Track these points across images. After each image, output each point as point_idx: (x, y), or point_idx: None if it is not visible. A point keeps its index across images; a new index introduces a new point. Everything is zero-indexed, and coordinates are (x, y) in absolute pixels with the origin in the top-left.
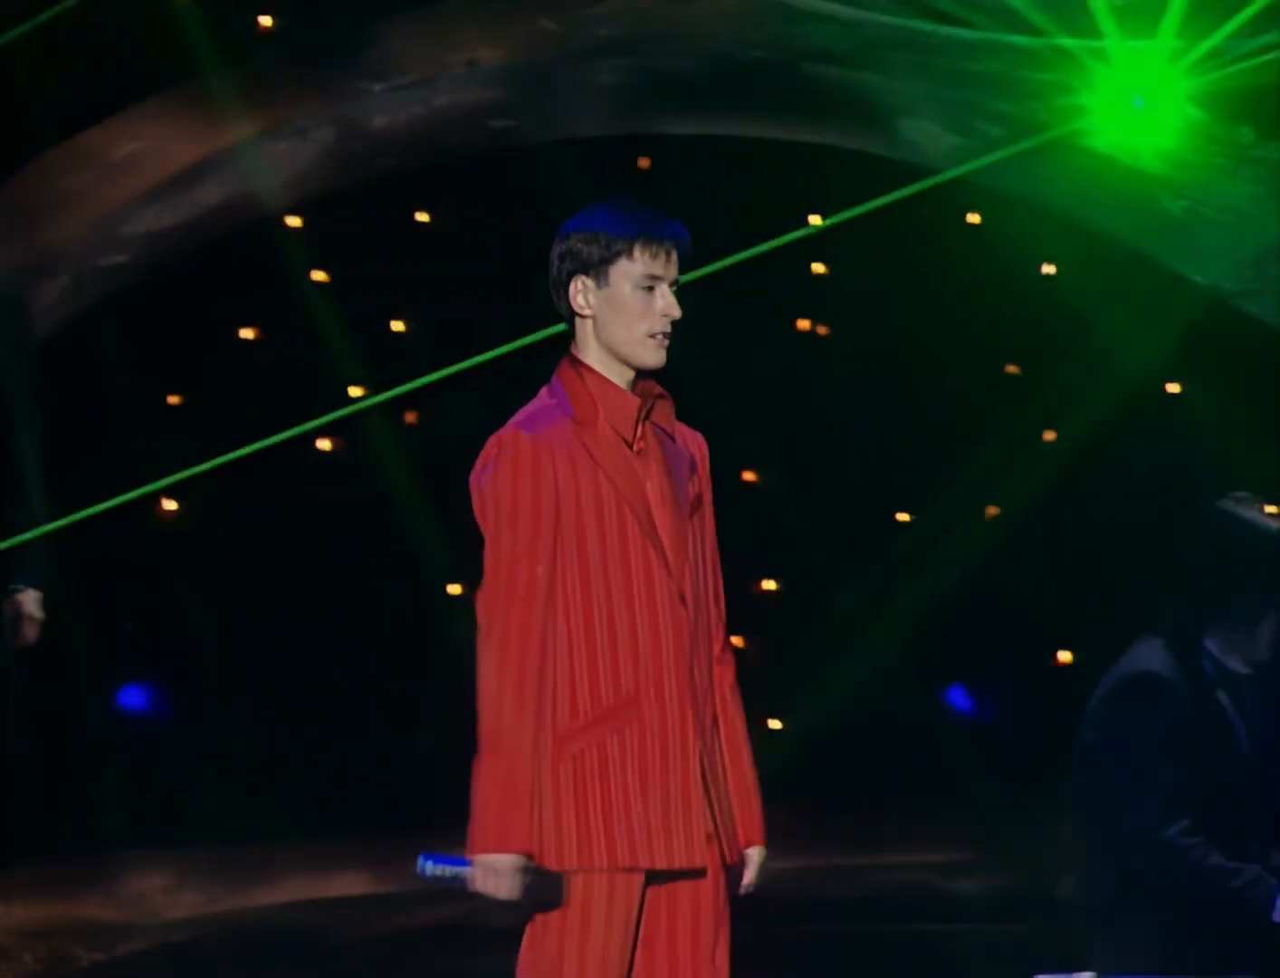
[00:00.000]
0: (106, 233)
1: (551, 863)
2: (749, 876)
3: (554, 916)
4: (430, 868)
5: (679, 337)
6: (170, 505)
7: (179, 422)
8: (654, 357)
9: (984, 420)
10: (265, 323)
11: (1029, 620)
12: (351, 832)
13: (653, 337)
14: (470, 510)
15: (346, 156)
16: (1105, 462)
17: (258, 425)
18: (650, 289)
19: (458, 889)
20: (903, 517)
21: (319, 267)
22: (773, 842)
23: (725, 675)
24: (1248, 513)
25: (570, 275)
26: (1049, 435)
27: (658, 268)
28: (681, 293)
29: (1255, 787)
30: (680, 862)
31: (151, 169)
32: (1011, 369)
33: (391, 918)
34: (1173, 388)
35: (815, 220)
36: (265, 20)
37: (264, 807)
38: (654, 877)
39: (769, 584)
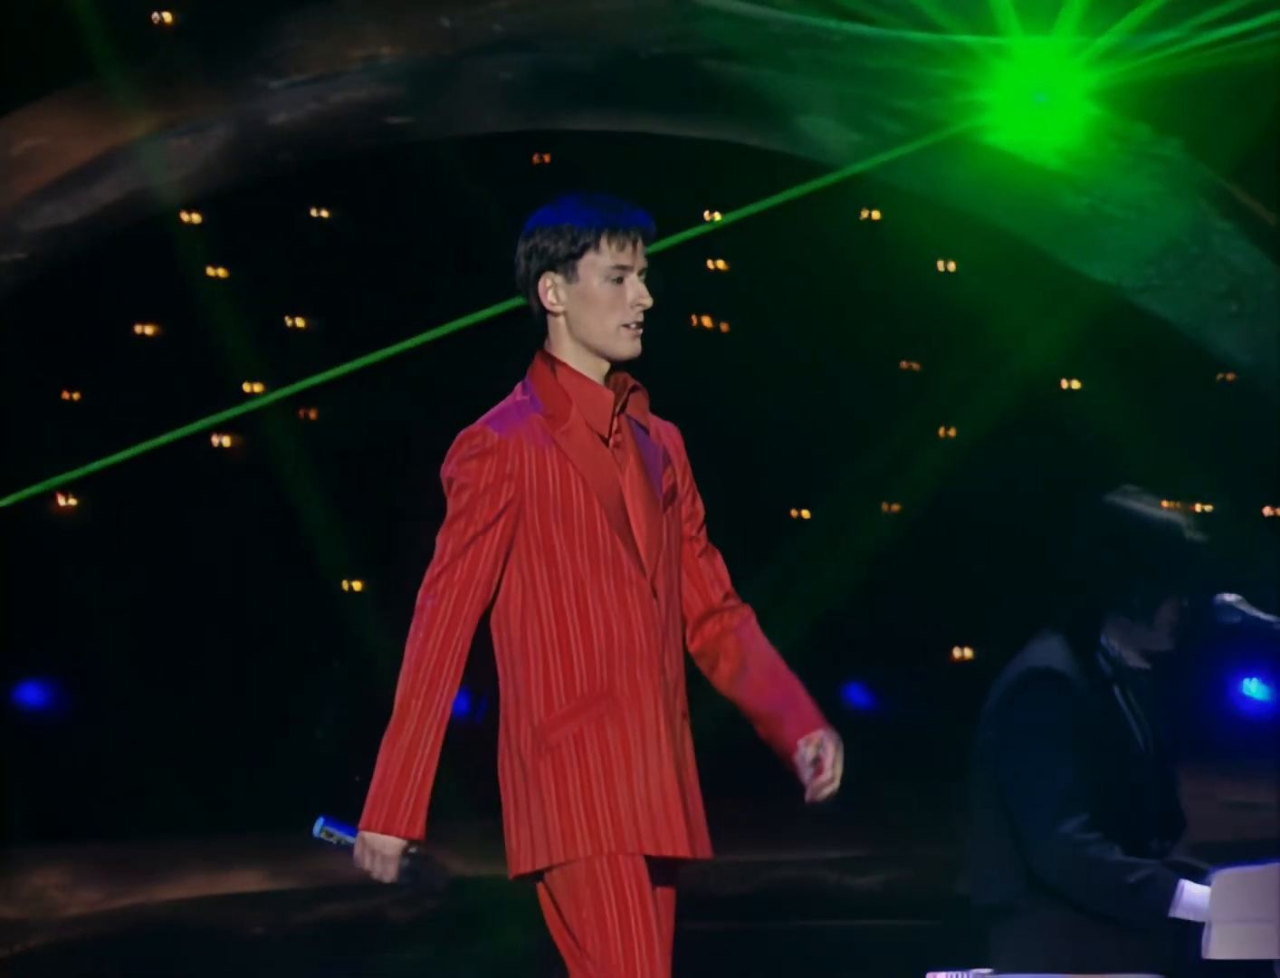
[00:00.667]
0: (4, 229)
1: (543, 859)
2: (828, 757)
3: (588, 910)
4: (322, 828)
5: None
6: (67, 501)
7: (76, 418)
8: (628, 347)
9: (882, 417)
10: (163, 319)
11: (927, 617)
12: (250, 828)
13: (625, 327)
14: (372, 507)
15: (245, 153)
16: (1003, 458)
17: (156, 422)
18: (619, 280)
19: (342, 852)
20: (802, 513)
21: (217, 263)
22: None
23: (745, 620)
24: (1140, 506)
25: (539, 273)
26: (950, 432)
27: (625, 258)
28: None
29: (1154, 782)
30: (666, 850)
31: (50, 165)
32: (909, 365)
33: (290, 914)
34: (1071, 384)
35: (714, 217)
36: (165, 16)
37: (162, 803)
38: (659, 866)
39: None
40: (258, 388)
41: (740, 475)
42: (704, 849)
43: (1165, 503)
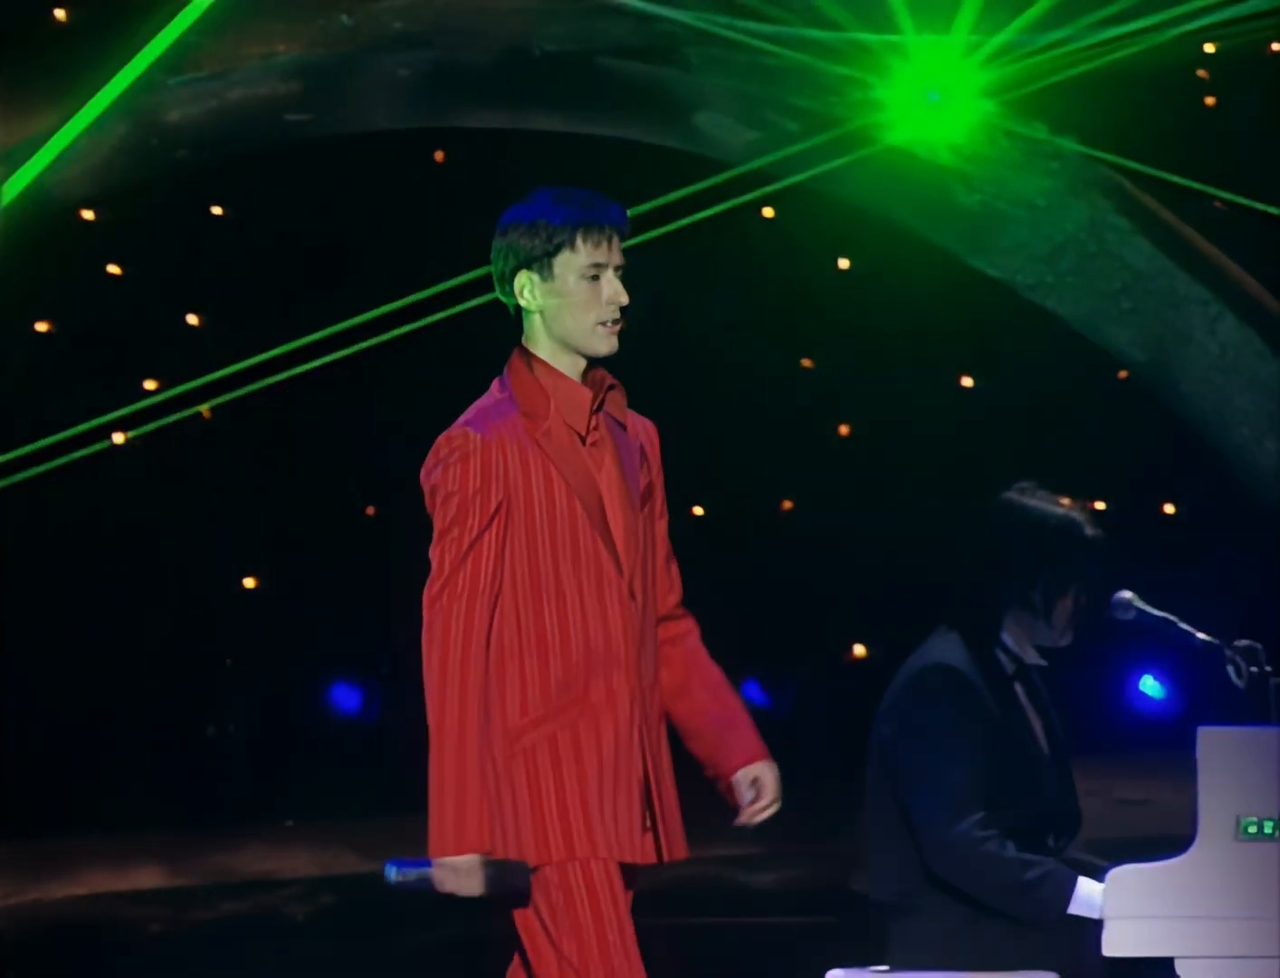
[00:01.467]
0: None
1: (434, 853)
2: (767, 790)
3: (545, 909)
4: (395, 874)
5: (477, 332)
6: None
7: None
8: (605, 345)
9: (778, 414)
10: (59, 316)
11: (824, 614)
12: (149, 825)
13: (602, 325)
14: (268, 504)
15: (142, 149)
16: (899, 455)
17: (51, 419)
18: (595, 278)
19: (426, 890)
20: (697, 510)
21: (114, 260)
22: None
23: (690, 630)
24: (1037, 503)
25: (514, 270)
26: (843, 429)
27: (601, 255)
28: (481, 286)
29: (1050, 779)
30: (637, 857)
31: None
32: (806, 363)
33: (189, 911)
34: (966, 381)
35: None
36: (60, 13)
37: (61, 800)
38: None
39: None
40: (153, 385)
41: None
42: (678, 851)
43: (1062, 500)
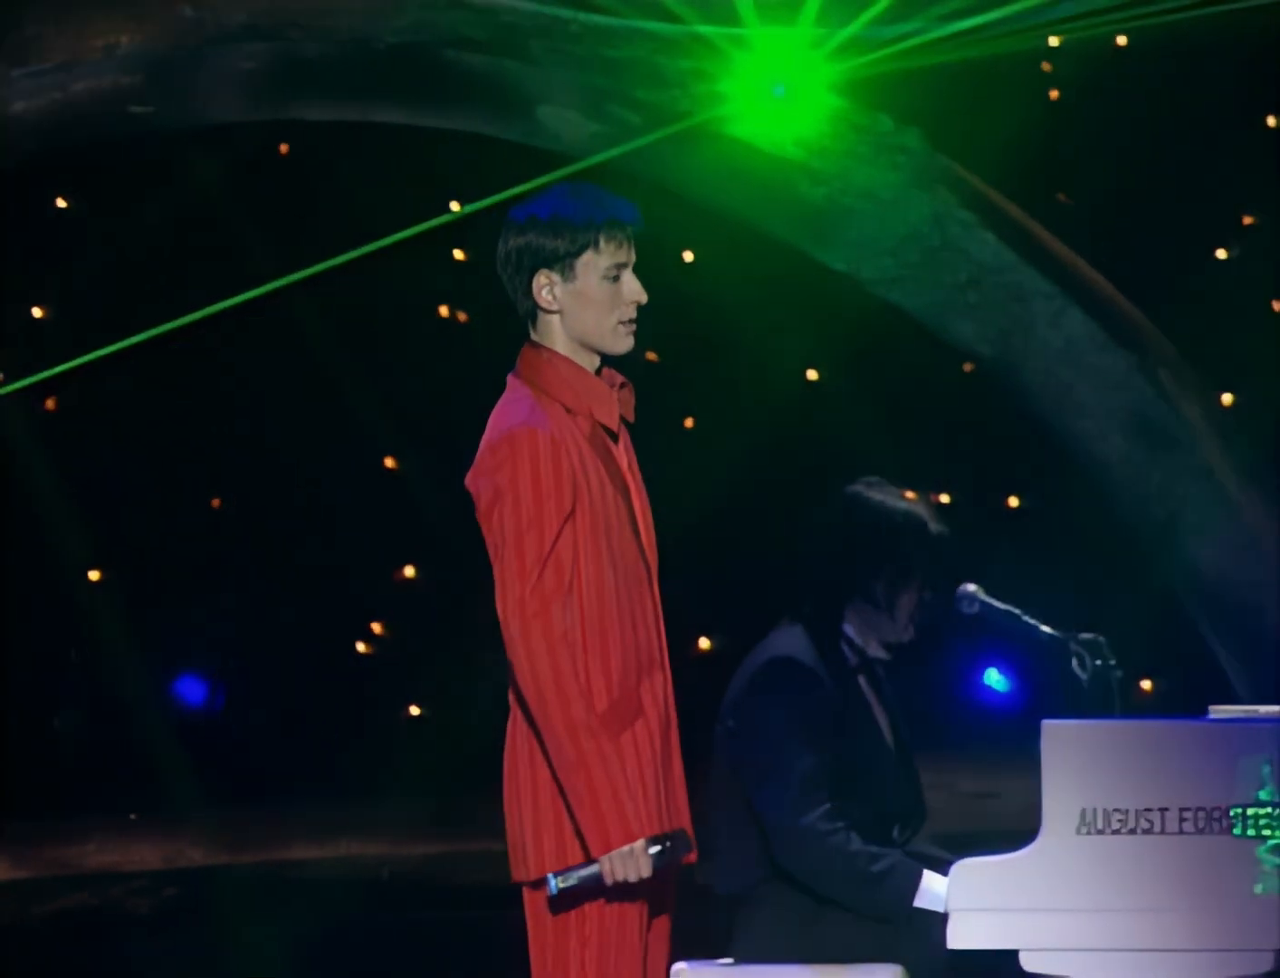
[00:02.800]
0: None
1: (599, 851)
2: None
3: (611, 899)
4: (560, 884)
5: (319, 325)
6: None
7: None
8: (625, 344)
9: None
10: None
11: (669, 608)
12: None
13: (623, 324)
14: (114, 497)
15: None
16: (745, 448)
17: None
18: (616, 278)
19: (590, 889)
20: None
21: None
22: (418, 829)
23: None
24: (881, 496)
25: (532, 270)
26: (688, 422)
27: (622, 255)
28: (322, 281)
29: (895, 772)
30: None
31: None
32: (651, 356)
33: (29, 905)
34: (812, 375)
35: (455, 207)
36: None
37: None
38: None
39: (409, 571)
40: None
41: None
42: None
43: (906, 493)
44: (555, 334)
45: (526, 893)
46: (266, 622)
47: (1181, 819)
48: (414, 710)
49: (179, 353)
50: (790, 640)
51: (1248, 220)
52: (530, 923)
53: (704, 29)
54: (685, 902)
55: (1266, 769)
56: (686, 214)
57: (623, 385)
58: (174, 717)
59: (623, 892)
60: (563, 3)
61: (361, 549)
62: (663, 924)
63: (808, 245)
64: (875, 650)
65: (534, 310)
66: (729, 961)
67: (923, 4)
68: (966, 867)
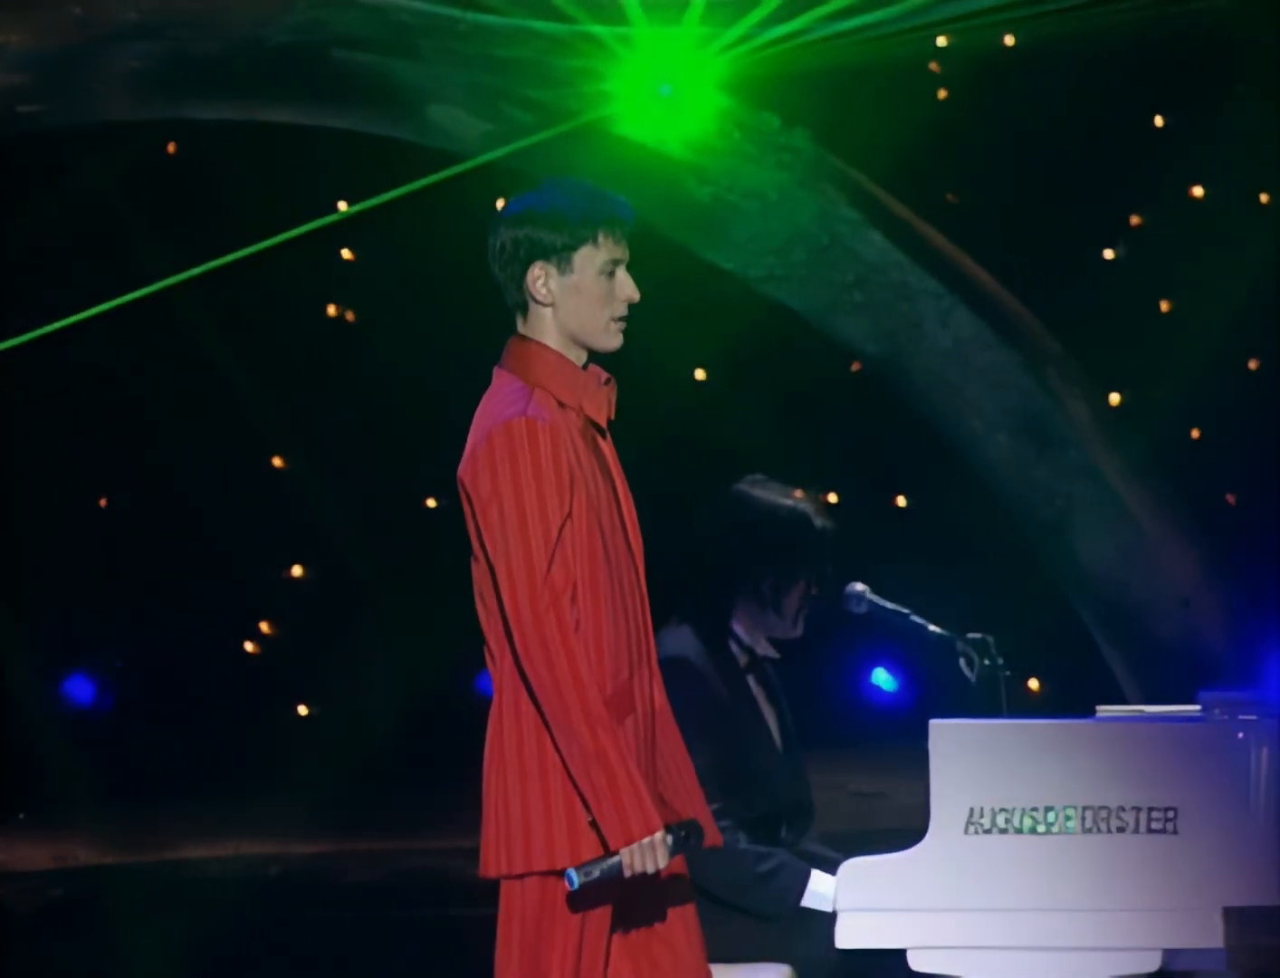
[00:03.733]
0: None
1: (542, 862)
2: None
3: (582, 896)
4: (580, 879)
5: (207, 324)
6: None
7: None
8: (615, 340)
9: None
10: None
11: None
12: None
13: (615, 321)
14: None
15: None
16: (632, 447)
17: None
18: (612, 273)
19: (609, 882)
20: (430, 503)
21: None
22: (306, 828)
23: None
24: (768, 494)
25: (527, 262)
26: None
27: (619, 252)
28: (210, 280)
29: (783, 771)
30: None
31: None
32: None
33: None
34: (700, 374)
35: (343, 206)
36: None
37: None
38: None
39: (297, 570)
40: None
41: (370, 464)
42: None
43: (793, 491)
44: (546, 327)
45: (505, 886)
46: (155, 621)
47: (1068, 819)
48: (302, 710)
49: (66, 352)
50: (678, 640)
51: (1135, 221)
52: (505, 916)
53: (592, 28)
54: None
55: (1153, 769)
56: None
57: (607, 381)
58: (62, 716)
59: (631, 885)
60: (452, 2)
61: (249, 549)
62: (689, 913)
63: (695, 245)
64: (764, 649)
65: (525, 303)
66: None
67: (810, 3)
68: (855, 866)
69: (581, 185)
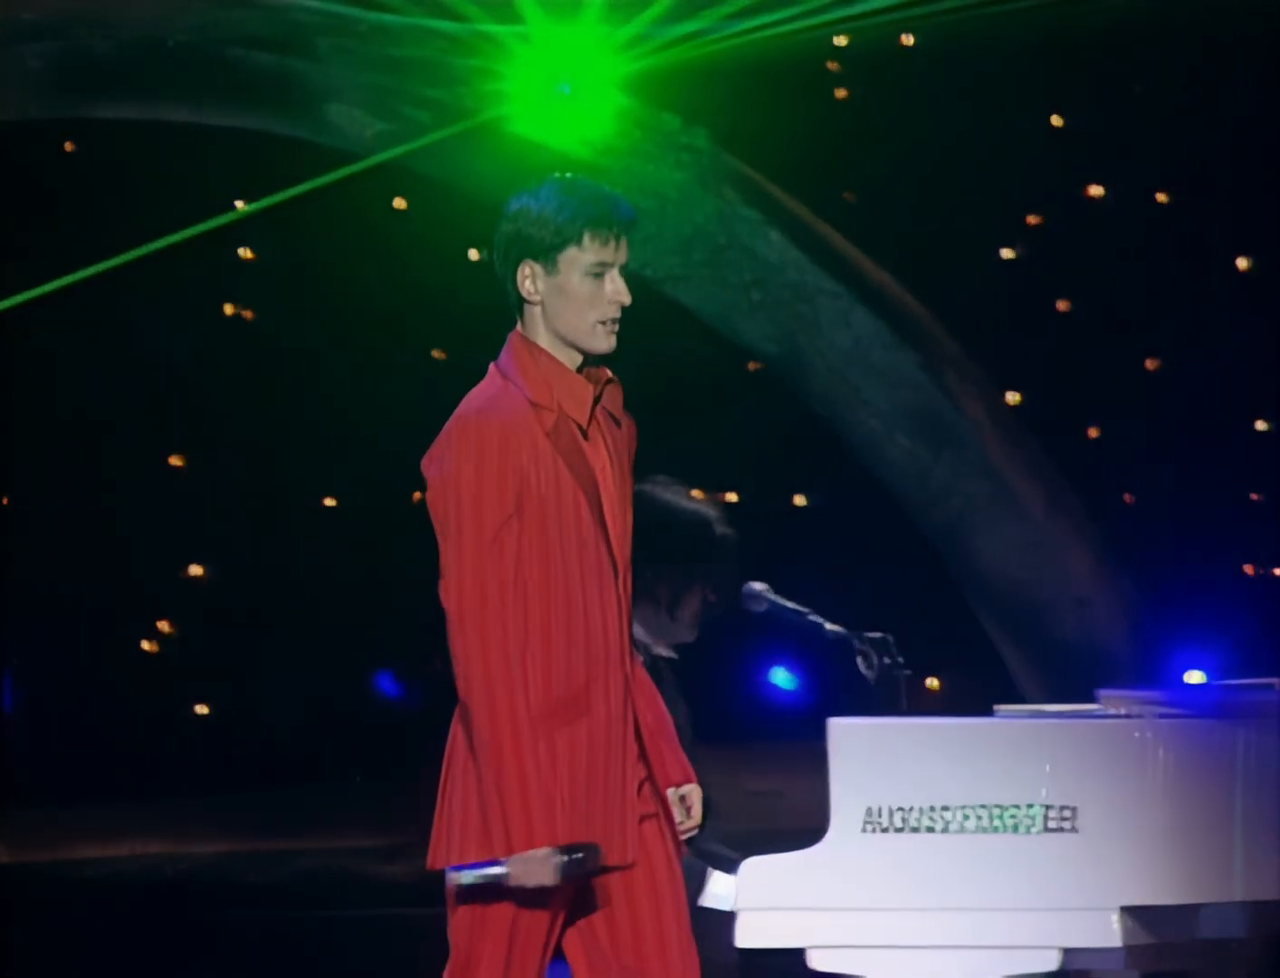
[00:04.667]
0: None
1: (485, 855)
2: (695, 811)
3: (510, 903)
4: (468, 878)
5: (105, 322)
6: None
7: None
8: (604, 343)
9: (412, 406)
10: None
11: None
12: None
13: (603, 323)
14: None
15: None
16: None
17: None
18: (599, 275)
19: (500, 887)
20: (328, 502)
21: None
22: (202, 828)
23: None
24: (669, 496)
25: (518, 260)
26: None
27: (607, 255)
28: (108, 278)
29: None
30: (613, 860)
31: None
32: (437, 354)
33: None
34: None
35: (240, 205)
36: None
37: None
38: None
39: (195, 569)
40: None
41: (267, 463)
42: (678, 847)
43: (693, 493)
44: (538, 326)
45: (447, 877)
46: (52, 620)
47: (966, 818)
48: (200, 709)
49: None
50: None
51: (1032, 220)
52: (449, 908)
53: (489, 27)
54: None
55: (1052, 767)
56: (474, 213)
57: (609, 381)
58: None
59: (536, 896)
60: (350, 2)
61: (148, 548)
62: (673, 912)
63: None
64: (662, 649)
65: (520, 301)
66: None
67: (708, 2)
68: (754, 865)
69: (579, 185)
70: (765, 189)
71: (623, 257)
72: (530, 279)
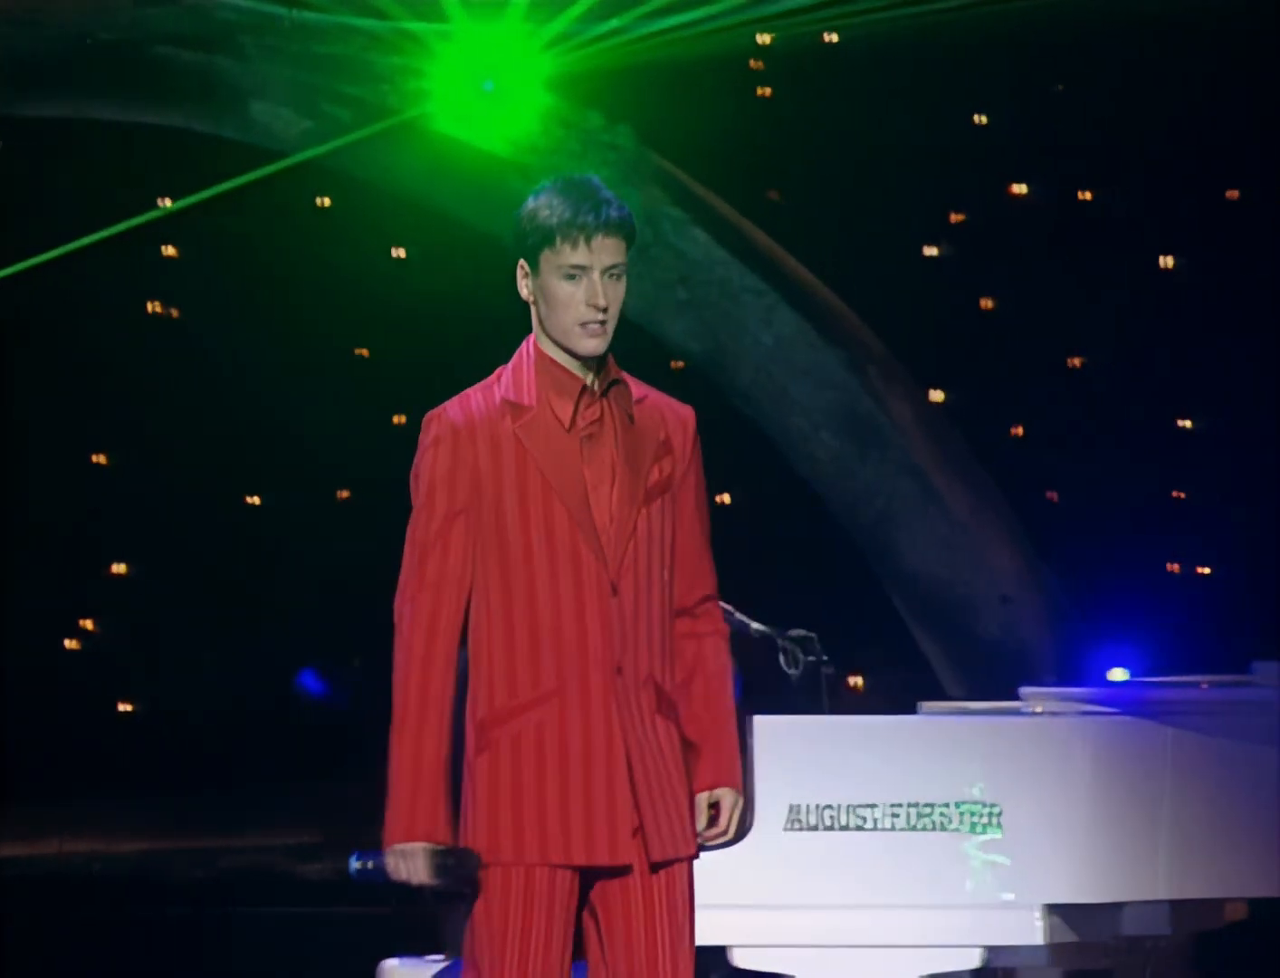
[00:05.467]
0: None
1: (385, 843)
2: (722, 818)
3: (479, 908)
4: (356, 863)
5: (28, 320)
6: None
7: None
8: (587, 345)
9: (335, 403)
10: None
11: (380, 603)
12: None
13: (582, 326)
14: None
15: None
16: None
17: None
18: (574, 278)
19: (381, 881)
20: (254, 499)
21: None
22: (128, 826)
23: (709, 630)
24: None
25: (515, 260)
26: (398, 418)
27: (579, 257)
28: (31, 276)
29: None
30: (601, 859)
31: None
32: (361, 352)
33: None
34: None
35: (165, 203)
36: None
37: None
38: (597, 874)
39: (119, 567)
40: None
41: (193, 461)
42: (671, 849)
43: None
44: (537, 325)
45: None
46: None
47: (892, 815)
48: (124, 707)
49: None
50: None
51: (956, 218)
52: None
53: (414, 25)
54: (395, 898)
55: (976, 765)
56: (398, 211)
57: (614, 380)
58: None
59: (503, 896)
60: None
61: (71, 545)
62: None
63: None
64: None
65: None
66: (439, 957)
67: (629, 1)
68: None
69: (570, 184)
70: (690, 188)
71: (604, 259)
72: (524, 279)
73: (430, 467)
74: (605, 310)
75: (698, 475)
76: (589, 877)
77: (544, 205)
